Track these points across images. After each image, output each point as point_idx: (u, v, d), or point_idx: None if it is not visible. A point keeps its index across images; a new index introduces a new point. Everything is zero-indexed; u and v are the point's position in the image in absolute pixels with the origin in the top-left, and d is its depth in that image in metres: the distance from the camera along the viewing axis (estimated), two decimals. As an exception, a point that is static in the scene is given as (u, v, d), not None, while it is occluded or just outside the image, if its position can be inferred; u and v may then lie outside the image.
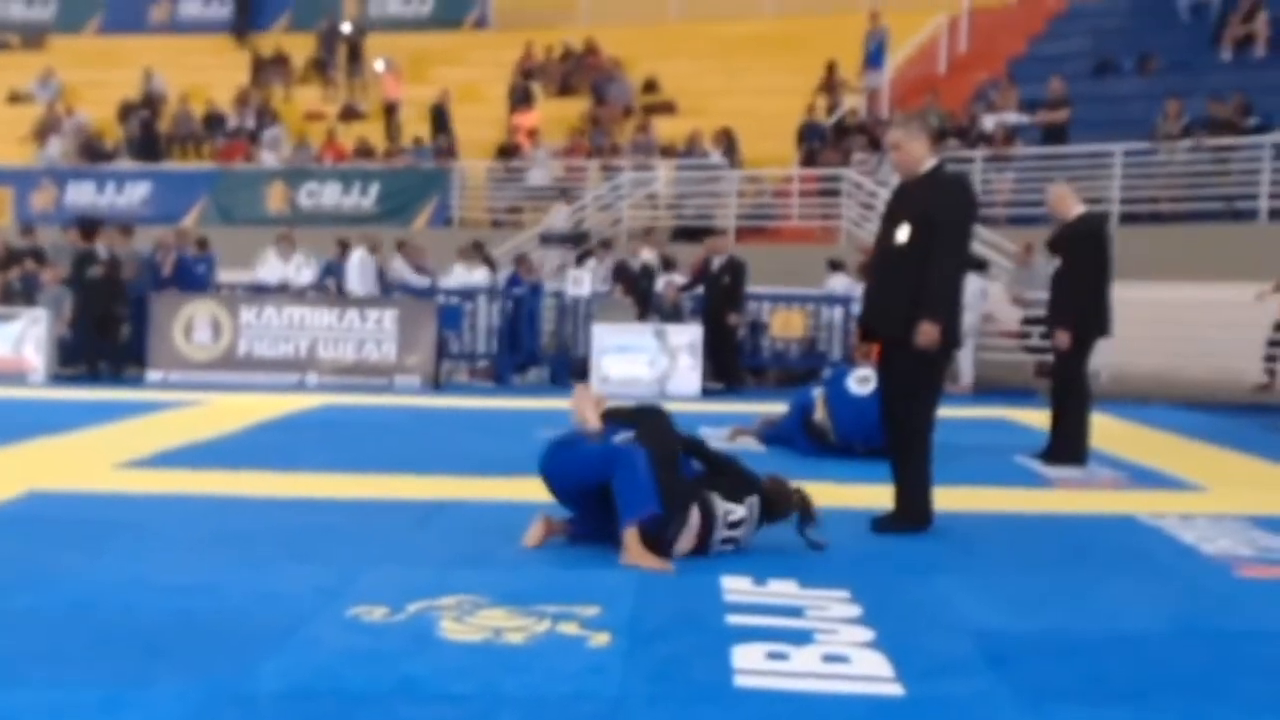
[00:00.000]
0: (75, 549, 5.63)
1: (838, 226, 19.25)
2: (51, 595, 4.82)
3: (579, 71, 25.09)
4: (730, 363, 15.02)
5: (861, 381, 9.08)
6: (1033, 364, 15.45)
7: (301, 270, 16.75)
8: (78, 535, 5.95)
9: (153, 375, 14.62)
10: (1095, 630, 4.62)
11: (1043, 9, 23.73)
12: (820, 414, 9.23)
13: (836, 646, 4.30)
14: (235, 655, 4.06)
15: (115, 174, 23.69)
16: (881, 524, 6.39)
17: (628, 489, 5.42)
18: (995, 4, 24.33)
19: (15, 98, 26.80)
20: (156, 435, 9.69)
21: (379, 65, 25.39)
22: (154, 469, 8.10)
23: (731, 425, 10.03)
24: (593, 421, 5.89)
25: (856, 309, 15.77)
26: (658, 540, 5.46)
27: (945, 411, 6.72)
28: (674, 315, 15.40)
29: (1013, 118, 19.39)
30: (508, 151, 22.61)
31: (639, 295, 15.66)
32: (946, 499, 6.49)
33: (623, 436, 5.67)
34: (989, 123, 19.38)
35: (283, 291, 15.73)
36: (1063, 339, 8.79)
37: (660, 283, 16.02)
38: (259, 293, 15.74)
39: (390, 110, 24.53)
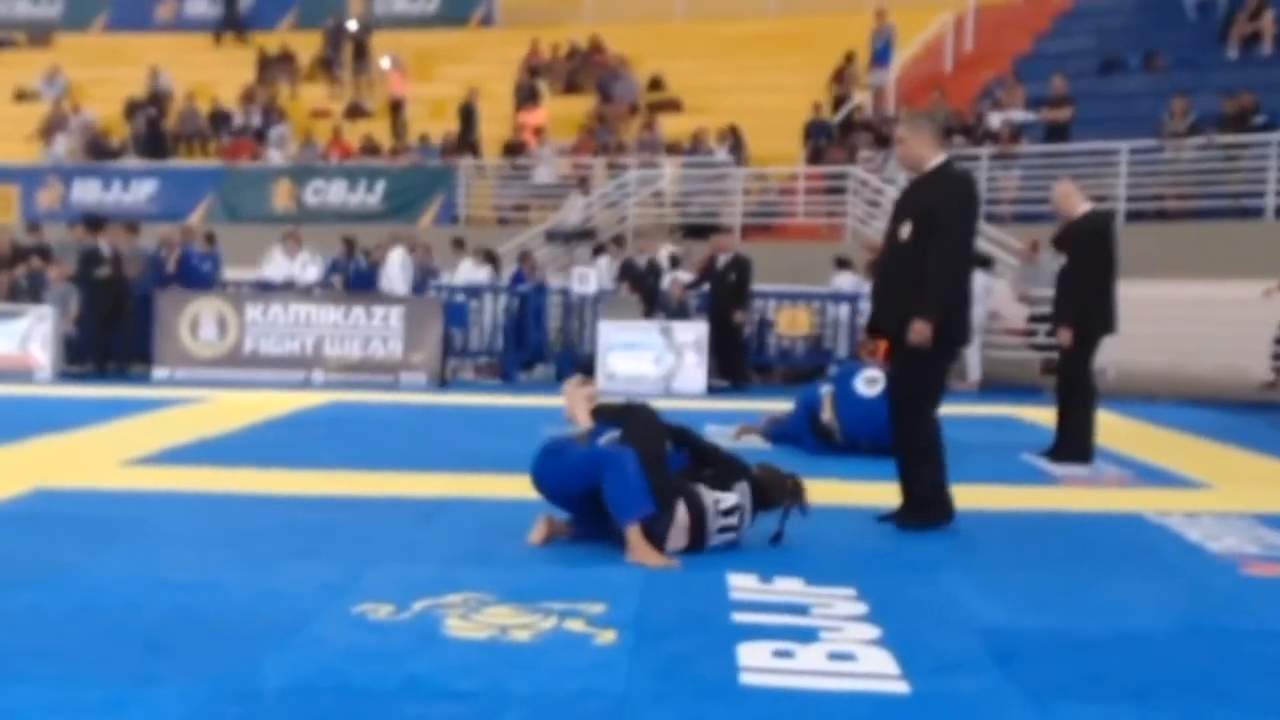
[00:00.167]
0: (80, 546, 5.64)
1: (843, 224, 19.24)
2: (56, 592, 4.83)
3: (585, 69, 25.10)
4: (736, 360, 15.02)
5: (869, 383, 9.07)
6: (1039, 361, 15.43)
7: (307, 268, 16.78)
8: (83, 532, 5.95)
9: (159, 373, 14.65)
10: (1101, 628, 4.61)
11: (1049, 7, 23.68)
12: (828, 414, 9.22)
13: (842, 644, 4.29)
14: (240, 652, 4.06)
15: (121, 172, 23.72)
16: (903, 519, 6.34)
17: (619, 491, 5.42)
18: (1001, 2, 24.28)
19: (22, 95, 26.84)
20: (162, 433, 9.70)
21: (385, 63, 25.41)
22: (160, 466, 8.10)
23: (738, 424, 10.03)
24: (582, 419, 5.90)
25: (863, 306, 15.84)
26: (650, 539, 5.46)
27: (951, 409, 6.72)
28: (680, 313, 15.41)
29: (1019, 115, 19.37)
30: (514, 149, 22.62)
31: (645, 293, 15.66)
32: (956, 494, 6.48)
33: (609, 437, 5.67)
34: (995, 120, 19.37)
35: (289, 289, 15.75)
36: (1066, 336, 8.78)
37: (666, 280, 16.02)
38: (265, 290, 15.77)
39: (396, 108, 24.55)
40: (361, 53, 26.38)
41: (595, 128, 22.87)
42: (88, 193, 23.26)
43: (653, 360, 14.38)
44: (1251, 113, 17.11)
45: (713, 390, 14.21)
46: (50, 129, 24.82)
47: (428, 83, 25.78)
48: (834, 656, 4.16)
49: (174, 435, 9.49)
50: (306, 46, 27.02)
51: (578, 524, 5.83)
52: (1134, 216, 16.99)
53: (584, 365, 14.88)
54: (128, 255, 15.39)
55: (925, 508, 6.37)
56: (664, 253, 16.82)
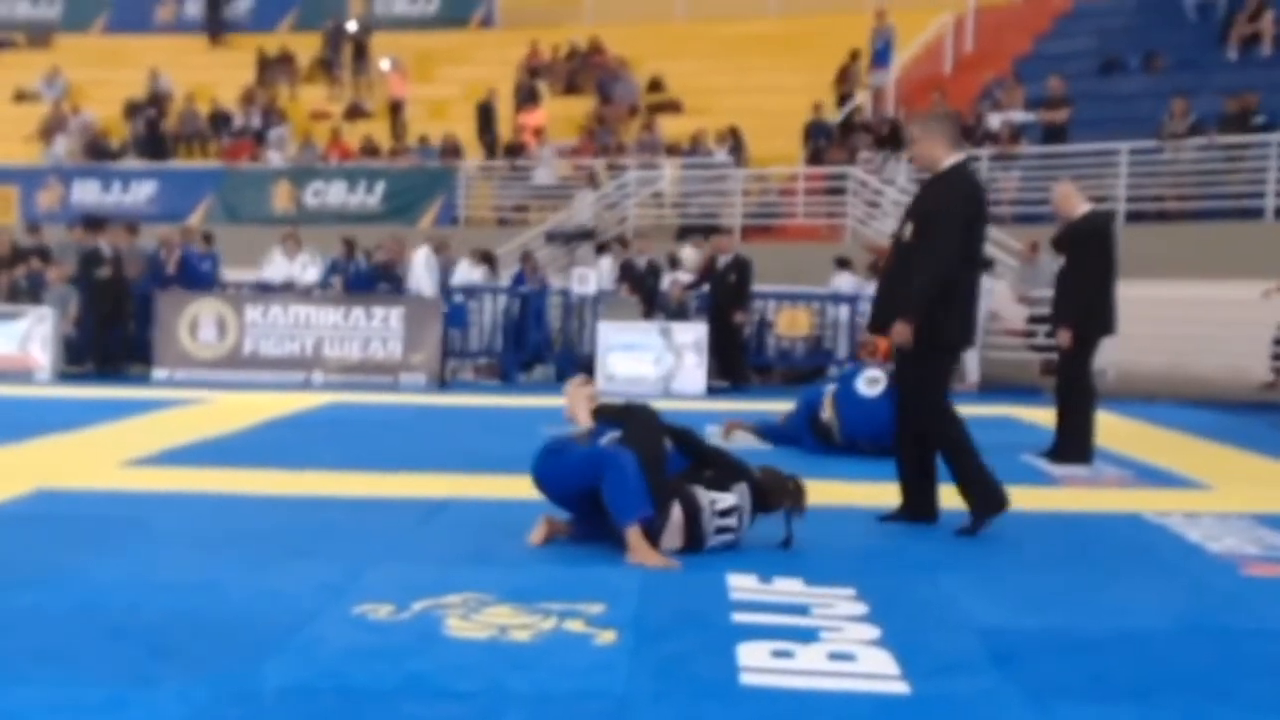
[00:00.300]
0: (81, 547, 5.64)
1: (843, 225, 19.25)
2: (56, 593, 4.83)
3: (584, 70, 25.10)
4: (736, 361, 15.02)
5: (871, 383, 9.09)
6: (1038, 362, 15.43)
7: (307, 269, 16.78)
8: (84, 533, 5.96)
9: (158, 374, 14.65)
10: (1101, 628, 4.61)
11: (1049, 8, 23.69)
12: (828, 413, 9.23)
13: (842, 644, 4.29)
14: (240, 653, 4.06)
15: (121, 173, 23.73)
16: (973, 525, 6.27)
17: (618, 493, 5.42)
18: (1001, 3, 24.30)
19: (21, 96, 26.84)
20: (162, 433, 9.70)
21: (385, 64, 25.41)
22: (160, 467, 8.11)
23: (726, 420, 10.01)
24: (583, 419, 5.91)
25: (863, 307, 15.86)
26: (645, 539, 5.46)
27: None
28: (679, 313, 15.41)
29: (1018, 116, 19.37)
30: (513, 150, 22.63)
31: (644, 293, 15.67)
32: (952, 496, 6.48)
33: (609, 438, 5.68)
34: (995, 121, 19.37)
35: (288, 290, 15.75)
36: (1065, 337, 8.79)
37: (666, 281, 16.02)
38: (264, 291, 15.77)
39: (396, 109, 24.56)
40: (361, 54, 26.38)
41: (595, 129, 22.88)
42: (87, 194, 23.26)
43: (652, 361, 14.37)
44: (1253, 112, 17.11)
45: (712, 391, 14.20)
46: (50, 130, 24.82)
47: (427, 84, 25.80)
48: (834, 657, 4.16)
49: (174, 436, 9.49)
50: (306, 48, 27.03)
51: (578, 524, 5.83)
52: (1134, 217, 17.00)
53: (584, 366, 14.89)
54: (127, 256, 15.40)
55: (987, 504, 6.30)
56: (686, 251, 16.77)
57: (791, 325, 16.16)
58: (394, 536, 5.99)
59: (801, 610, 4.71)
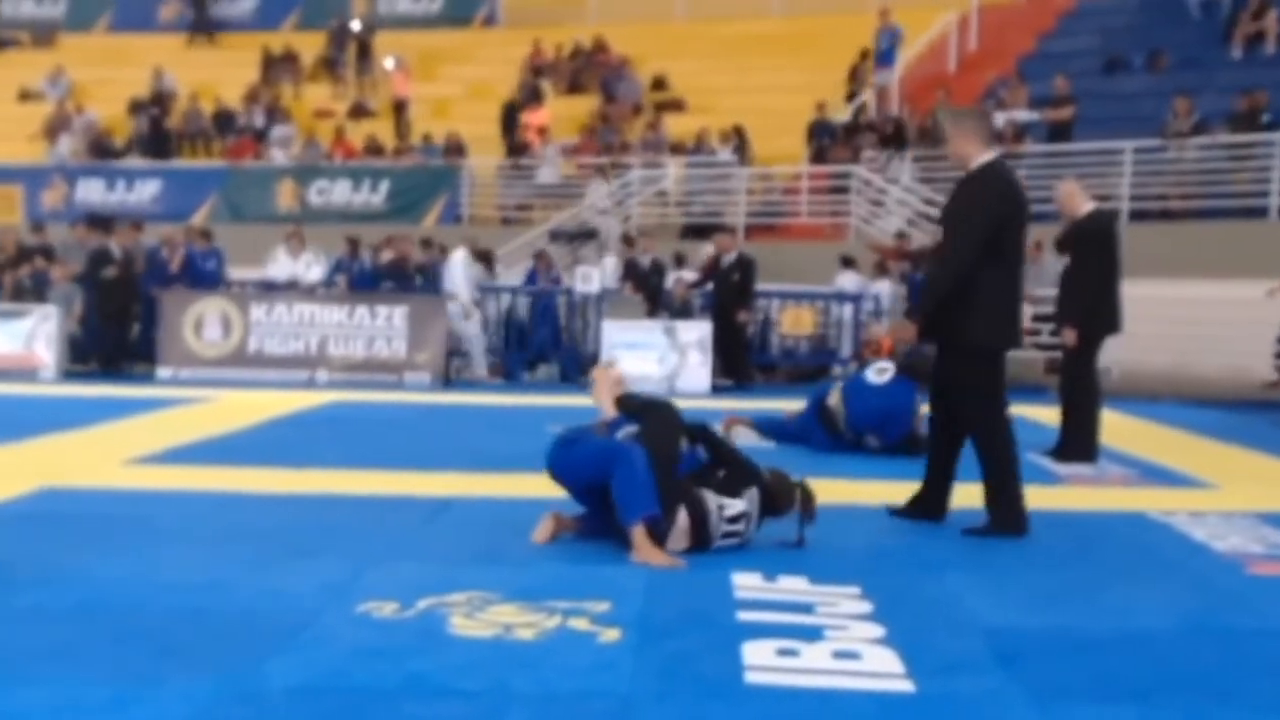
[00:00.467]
0: (85, 545, 5.64)
1: (847, 223, 19.25)
2: (60, 592, 4.83)
3: (588, 69, 25.10)
4: (740, 360, 15.00)
5: (879, 372, 9.21)
6: (1043, 361, 15.42)
7: (311, 268, 16.78)
8: (88, 531, 5.96)
9: (163, 372, 14.65)
10: (1105, 628, 4.60)
11: (1053, 6, 23.68)
12: (834, 399, 9.25)
13: (847, 643, 4.29)
14: (244, 652, 4.06)
15: (125, 172, 23.74)
16: (981, 530, 6.20)
17: (627, 489, 5.42)
18: (1005, 2, 24.28)
19: (25, 95, 26.86)
20: (167, 432, 9.71)
21: (388, 63, 25.43)
22: (164, 465, 8.11)
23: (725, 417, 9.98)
24: (607, 405, 5.91)
25: (867, 306, 15.87)
26: (651, 539, 5.46)
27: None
28: (683, 312, 15.40)
29: (1023, 115, 19.35)
30: (517, 149, 22.62)
31: (649, 292, 15.66)
32: (957, 495, 6.48)
33: (625, 432, 5.67)
34: (999, 120, 19.33)
35: (293, 289, 15.76)
36: (1070, 336, 8.78)
37: (670, 279, 16.01)
38: (269, 290, 15.77)
39: (400, 108, 24.58)
40: (365, 53, 26.40)
41: (599, 128, 22.88)
42: (91, 193, 23.29)
43: (656, 360, 14.36)
44: (1263, 110, 17.09)
45: (716, 390, 14.19)
46: (54, 129, 24.84)
47: (431, 83, 25.81)
48: (838, 655, 4.16)
49: (179, 435, 9.50)
50: (310, 47, 27.06)
51: (588, 519, 5.82)
52: (1137, 216, 16.97)
53: (587, 365, 14.87)
54: (135, 255, 15.41)
55: (1005, 524, 6.17)
56: (708, 249, 16.72)
57: (795, 324, 16.15)
58: (398, 535, 5.99)
59: (806, 609, 4.71)
